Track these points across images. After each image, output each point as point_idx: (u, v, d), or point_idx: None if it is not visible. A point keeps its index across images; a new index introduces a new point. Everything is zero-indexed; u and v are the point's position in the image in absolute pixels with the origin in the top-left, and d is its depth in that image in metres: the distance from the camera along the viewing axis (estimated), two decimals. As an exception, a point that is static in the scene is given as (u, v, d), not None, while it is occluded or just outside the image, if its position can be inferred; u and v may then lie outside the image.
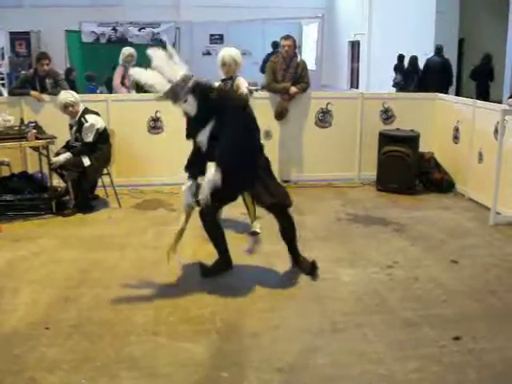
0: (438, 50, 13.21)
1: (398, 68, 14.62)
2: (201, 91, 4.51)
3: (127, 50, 8.90)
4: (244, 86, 5.89)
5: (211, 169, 4.50)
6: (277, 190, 4.76)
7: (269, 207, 4.76)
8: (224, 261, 4.89)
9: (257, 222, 5.54)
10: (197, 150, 4.73)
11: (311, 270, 4.92)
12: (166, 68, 4.44)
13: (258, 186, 4.68)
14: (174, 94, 4.45)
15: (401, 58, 14.74)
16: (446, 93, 10.75)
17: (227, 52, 6.02)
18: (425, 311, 4.30)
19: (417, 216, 6.67)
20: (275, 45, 14.51)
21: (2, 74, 18.81)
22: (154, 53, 4.45)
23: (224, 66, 5.94)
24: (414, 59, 12.86)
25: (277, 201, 4.69)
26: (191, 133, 4.72)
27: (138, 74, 4.49)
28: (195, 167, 4.79)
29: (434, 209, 7.01)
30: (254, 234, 5.23)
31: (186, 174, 4.85)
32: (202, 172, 4.61)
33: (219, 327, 4.06)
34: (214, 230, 4.78)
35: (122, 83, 8.59)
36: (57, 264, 5.23)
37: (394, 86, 14.56)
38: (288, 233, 4.88)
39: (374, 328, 4.04)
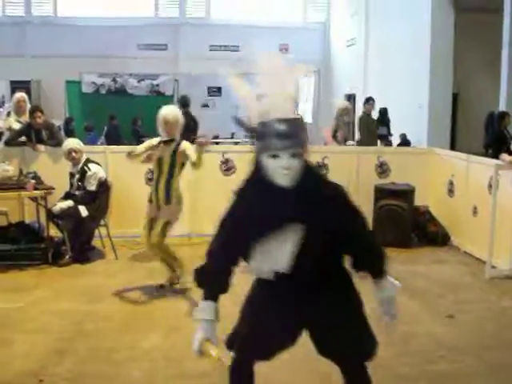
0: None
1: (382, 121, 14.90)
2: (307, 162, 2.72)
3: (343, 104, 8.68)
4: (193, 153, 5.61)
5: (389, 279, 2.90)
6: (350, 333, 2.85)
7: (337, 360, 2.96)
8: None
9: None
10: (232, 253, 2.83)
11: None
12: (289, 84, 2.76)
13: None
14: (299, 130, 2.66)
15: (383, 111, 15.06)
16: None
17: (169, 110, 5.81)
18: (421, 367, 4.29)
19: (413, 270, 6.68)
20: None
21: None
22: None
23: (166, 125, 5.69)
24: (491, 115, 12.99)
25: (350, 353, 2.89)
26: (273, 222, 2.68)
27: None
28: (224, 279, 2.82)
29: (430, 262, 7.02)
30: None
31: (202, 292, 2.85)
32: (228, 286, 2.83)
33: (217, 381, 4.03)
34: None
35: (334, 136, 8.67)
36: (52, 315, 5.21)
37: (378, 138, 14.82)
38: None
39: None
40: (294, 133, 2.59)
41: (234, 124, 2.74)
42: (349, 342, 2.81)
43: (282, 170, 2.58)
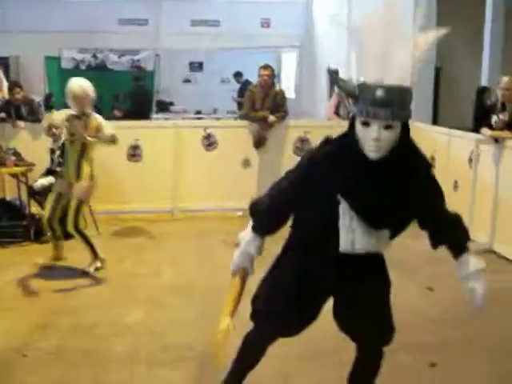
0: None
1: None
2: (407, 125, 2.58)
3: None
4: (108, 127, 5.52)
5: (472, 261, 2.83)
6: (377, 315, 2.80)
7: (356, 337, 2.92)
8: None
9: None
10: (287, 197, 2.74)
11: None
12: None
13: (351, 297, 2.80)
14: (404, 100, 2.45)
15: None
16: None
17: (77, 83, 5.55)
18: (400, 337, 4.31)
19: (392, 243, 6.72)
20: (238, 74, 14.77)
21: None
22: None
23: (75, 99, 5.46)
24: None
25: (372, 333, 2.82)
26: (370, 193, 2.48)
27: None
28: (275, 218, 2.77)
29: (410, 236, 7.02)
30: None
31: (251, 222, 2.82)
32: (276, 228, 2.77)
33: (197, 354, 4.07)
34: (250, 358, 3.02)
35: (337, 113, 8.62)
36: (34, 292, 5.22)
37: None
38: (363, 374, 3.05)
39: (350, 354, 4.07)
40: (392, 103, 2.37)
41: (333, 81, 2.49)
42: (377, 322, 2.77)
43: (369, 141, 2.40)
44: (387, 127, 2.38)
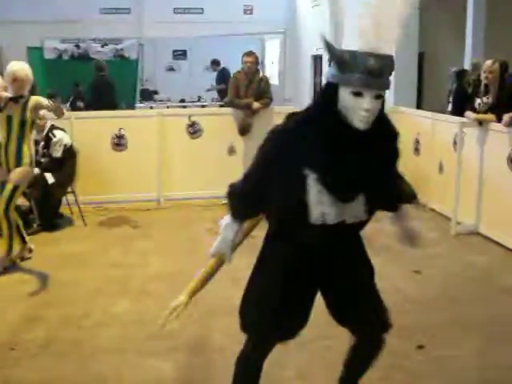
0: None
1: None
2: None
3: None
4: (45, 100, 5.43)
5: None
6: (371, 302, 2.76)
7: (356, 329, 2.83)
8: None
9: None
10: (258, 177, 2.53)
11: None
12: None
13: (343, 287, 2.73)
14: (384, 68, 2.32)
15: None
16: None
17: (19, 67, 5.43)
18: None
19: (379, 227, 6.73)
20: (215, 62, 14.79)
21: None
22: None
23: (17, 82, 5.33)
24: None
25: (372, 322, 2.76)
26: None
27: None
28: (249, 203, 2.63)
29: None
30: None
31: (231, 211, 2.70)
32: (252, 212, 2.71)
33: (186, 342, 4.09)
34: (249, 378, 2.85)
35: None
36: (22, 283, 5.19)
37: None
38: (363, 363, 2.98)
39: (338, 340, 4.09)
40: (384, 72, 2.29)
41: (323, 46, 2.37)
42: (374, 312, 2.72)
43: (361, 112, 2.28)
44: (378, 97, 2.31)
